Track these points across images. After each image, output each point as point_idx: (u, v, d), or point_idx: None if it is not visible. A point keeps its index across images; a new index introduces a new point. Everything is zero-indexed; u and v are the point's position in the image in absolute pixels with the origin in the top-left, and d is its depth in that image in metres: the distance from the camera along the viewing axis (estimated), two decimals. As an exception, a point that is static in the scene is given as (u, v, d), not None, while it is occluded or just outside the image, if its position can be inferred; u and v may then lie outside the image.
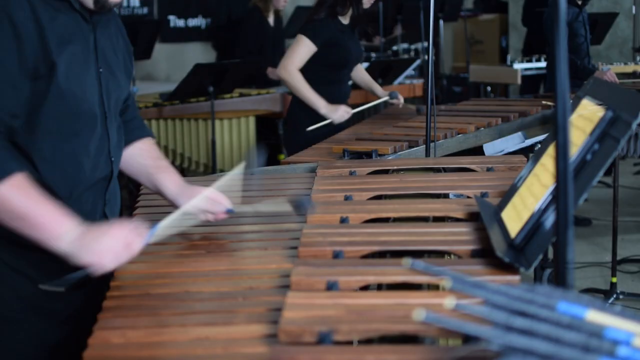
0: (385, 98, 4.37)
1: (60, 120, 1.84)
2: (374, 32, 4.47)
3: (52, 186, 1.85)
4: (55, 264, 1.72)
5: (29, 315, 1.88)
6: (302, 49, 3.95)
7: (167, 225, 1.90)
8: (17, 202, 1.69)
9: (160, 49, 7.53)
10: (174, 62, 8.00)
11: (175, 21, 8.31)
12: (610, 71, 5.43)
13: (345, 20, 4.02)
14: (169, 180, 2.08)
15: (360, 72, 4.50)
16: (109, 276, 1.75)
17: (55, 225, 1.69)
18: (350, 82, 4.43)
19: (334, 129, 3.89)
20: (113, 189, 2.05)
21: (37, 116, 1.81)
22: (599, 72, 5.35)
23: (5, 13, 1.75)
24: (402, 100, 4.43)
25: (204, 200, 2.00)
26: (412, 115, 4.21)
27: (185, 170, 5.58)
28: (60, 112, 1.83)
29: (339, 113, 3.92)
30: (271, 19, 6.44)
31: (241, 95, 5.54)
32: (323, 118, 3.94)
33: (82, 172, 1.91)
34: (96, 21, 1.93)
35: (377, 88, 4.52)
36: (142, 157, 2.15)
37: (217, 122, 5.23)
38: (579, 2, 5.33)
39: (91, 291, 1.88)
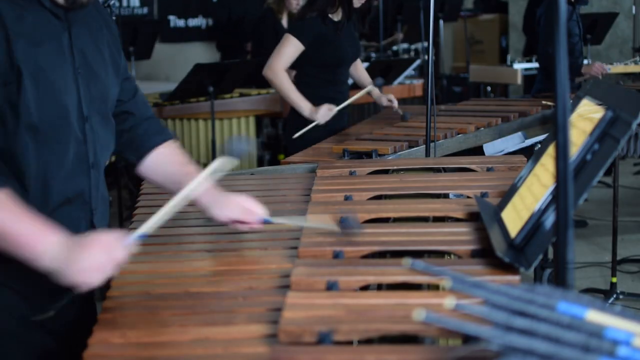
0: (369, 88, 4.09)
1: (35, 129, 1.70)
2: (363, 28, 4.22)
3: (35, 198, 1.74)
4: (41, 276, 1.62)
5: (20, 328, 1.80)
6: (289, 49, 3.84)
7: (153, 223, 1.73)
8: None
9: (160, 49, 7.53)
10: (174, 62, 8.00)
11: (175, 21, 8.33)
12: (598, 63, 5.39)
13: (336, 17, 3.89)
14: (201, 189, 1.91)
15: (357, 70, 4.30)
16: (101, 287, 1.69)
17: (35, 244, 1.59)
18: (350, 82, 4.33)
19: (333, 129, 3.86)
20: (99, 195, 1.89)
21: (14, 124, 1.69)
22: (585, 67, 5.32)
23: None
24: (396, 103, 4.13)
25: (237, 210, 1.92)
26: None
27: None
28: (34, 121, 1.70)
29: (321, 112, 3.76)
30: (284, 21, 6.43)
31: (241, 95, 5.54)
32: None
33: (59, 182, 1.77)
34: (72, 18, 1.78)
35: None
36: (167, 164, 2.01)
37: (217, 122, 5.22)
38: (572, 0, 5.32)
39: (81, 301, 1.83)
